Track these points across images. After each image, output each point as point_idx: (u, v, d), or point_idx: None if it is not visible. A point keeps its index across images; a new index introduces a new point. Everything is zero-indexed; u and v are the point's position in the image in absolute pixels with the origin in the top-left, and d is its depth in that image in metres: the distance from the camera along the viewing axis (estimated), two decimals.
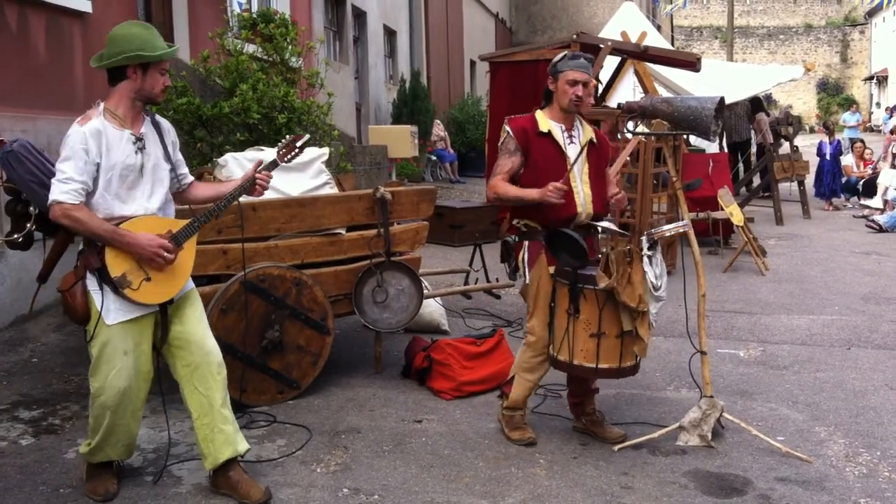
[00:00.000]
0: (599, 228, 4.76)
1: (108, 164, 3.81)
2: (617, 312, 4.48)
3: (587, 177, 4.73)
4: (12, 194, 4.23)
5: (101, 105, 3.91)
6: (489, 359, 5.73)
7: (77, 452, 4.38)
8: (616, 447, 4.72)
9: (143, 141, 3.95)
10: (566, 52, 4.78)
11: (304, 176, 5.79)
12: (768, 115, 17.58)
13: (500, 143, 4.79)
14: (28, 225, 4.05)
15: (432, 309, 6.92)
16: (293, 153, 4.33)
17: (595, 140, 4.83)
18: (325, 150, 6.12)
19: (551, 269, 4.65)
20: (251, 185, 4.14)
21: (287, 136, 4.40)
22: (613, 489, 4.25)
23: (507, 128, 4.75)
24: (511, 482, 4.31)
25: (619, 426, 5.02)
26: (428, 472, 4.42)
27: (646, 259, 4.54)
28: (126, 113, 3.92)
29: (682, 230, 4.83)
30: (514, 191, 4.63)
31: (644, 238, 4.60)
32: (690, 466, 4.52)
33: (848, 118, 31.02)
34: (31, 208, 4.54)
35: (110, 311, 3.85)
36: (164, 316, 4.02)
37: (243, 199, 5.23)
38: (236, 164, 5.60)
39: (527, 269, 4.76)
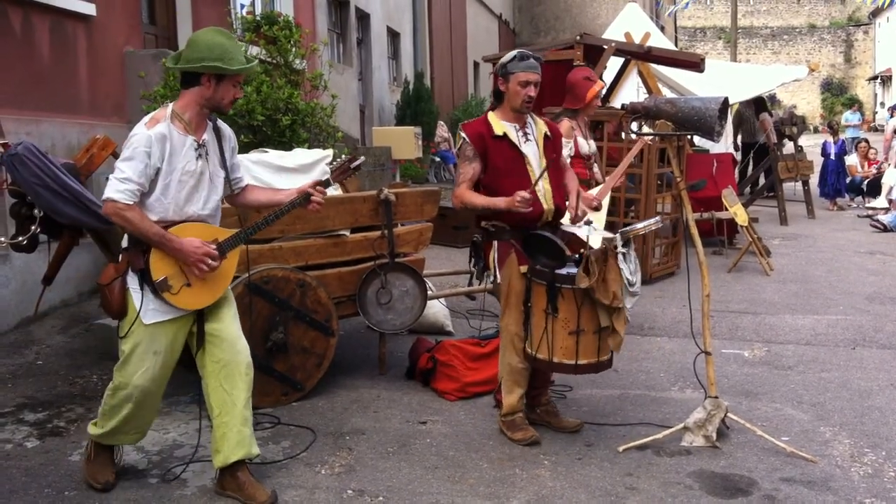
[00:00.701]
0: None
1: (169, 169, 3.84)
2: (594, 309, 4.52)
3: (546, 172, 4.78)
4: (17, 197, 4.26)
5: (170, 107, 3.94)
6: (493, 359, 5.70)
7: (81, 452, 4.40)
8: (621, 448, 4.71)
9: (206, 147, 3.98)
10: (515, 52, 4.79)
11: (308, 178, 5.77)
12: (771, 115, 17.56)
13: (456, 149, 4.83)
14: (33, 227, 4.08)
15: (436, 310, 6.92)
16: (347, 174, 4.35)
17: (549, 133, 4.90)
18: (329, 151, 6.12)
19: (523, 269, 4.69)
20: (306, 200, 4.15)
21: (343, 156, 4.41)
22: (618, 490, 4.24)
23: (463, 134, 4.79)
24: (515, 483, 4.31)
25: (624, 427, 5.02)
26: (432, 474, 4.42)
27: (620, 256, 4.56)
28: (192, 118, 3.94)
29: (654, 227, 4.89)
30: (480, 200, 4.69)
31: (618, 236, 4.62)
32: (695, 467, 4.51)
33: (849, 117, 30.94)
34: (36, 211, 4.57)
35: (148, 311, 3.90)
36: (200, 318, 4.05)
37: None
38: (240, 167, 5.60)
39: (497, 269, 4.80)
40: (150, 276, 3.84)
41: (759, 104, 16.51)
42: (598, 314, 4.52)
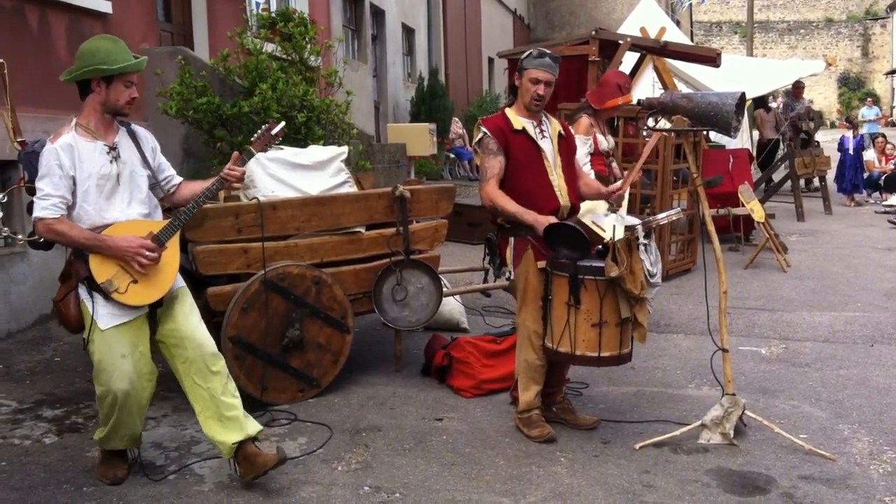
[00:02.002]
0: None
1: (83, 175, 3.94)
2: (616, 301, 4.52)
3: (561, 170, 4.84)
4: (34, 194, 4.27)
5: (74, 120, 4.04)
6: (509, 356, 5.70)
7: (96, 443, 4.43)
8: (637, 445, 4.70)
9: (117, 150, 4.06)
10: (534, 49, 4.81)
11: (324, 175, 5.79)
12: (768, 110, 17.51)
13: (475, 143, 4.84)
14: None
15: (452, 307, 6.91)
16: (270, 142, 4.44)
17: (563, 132, 4.94)
18: (344, 148, 6.12)
19: (540, 264, 4.68)
20: (222, 183, 4.26)
21: (263, 126, 4.46)
22: (635, 487, 4.23)
23: (484, 128, 4.79)
24: (532, 480, 4.30)
25: (641, 424, 5.01)
26: (449, 471, 4.41)
27: (641, 247, 4.55)
28: (97, 125, 4.04)
29: (675, 218, 4.90)
30: (511, 206, 4.68)
31: (639, 227, 4.60)
32: (713, 465, 4.50)
33: (865, 112, 30.70)
34: None
35: (102, 316, 3.96)
36: (152, 317, 4.12)
37: (263, 198, 5.29)
38: (256, 164, 5.60)
39: (513, 265, 4.80)
40: (94, 280, 3.92)
41: (758, 99, 16.43)
42: (619, 306, 4.52)
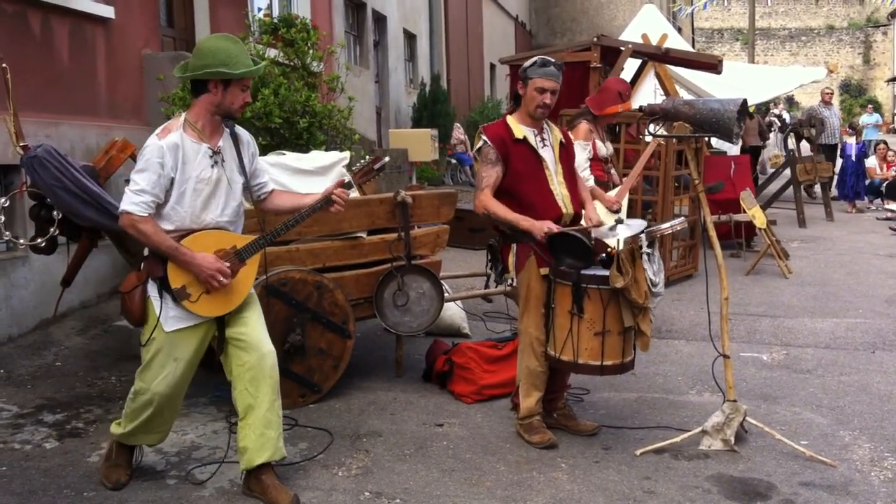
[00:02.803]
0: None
1: (183, 177, 3.86)
2: (619, 310, 4.53)
3: (562, 177, 4.83)
4: (36, 199, 4.28)
5: (183, 116, 3.96)
6: (510, 362, 5.70)
7: (100, 453, 4.42)
8: (638, 451, 4.70)
9: (221, 154, 3.99)
10: (538, 58, 4.79)
11: (326, 180, 5.79)
12: (751, 117, 17.56)
13: (475, 150, 4.84)
14: (52, 229, 4.10)
15: (453, 312, 6.91)
16: (370, 175, 4.39)
17: (563, 140, 4.94)
18: (346, 154, 6.12)
19: (543, 271, 4.68)
20: (328, 203, 4.18)
21: (366, 157, 4.43)
22: (636, 494, 4.23)
23: (484, 136, 4.78)
24: (533, 486, 4.30)
25: (642, 430, 5.00)
26: (449, 476, 4.41)
27: (645, 257, 4.56)
28: (205, 126, 3.96)
29: (678, 227, 4.89)
30: (505, 213, 4.68)
31: (643, 236, 4.60)
32: (713, 471, 4.49)
33: (866, 119, 30.72)
34: (55, 213, 4.59)
35: (168, 318, 3.93)
36: (221, 323, 4.06)
37: None
38: None
39: (515, 271, 4.81)
40: (168, 284, 3.87)
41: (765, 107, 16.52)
42: (622, 315, 4.52)
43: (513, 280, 4.87)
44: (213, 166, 3.94)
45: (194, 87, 3.97)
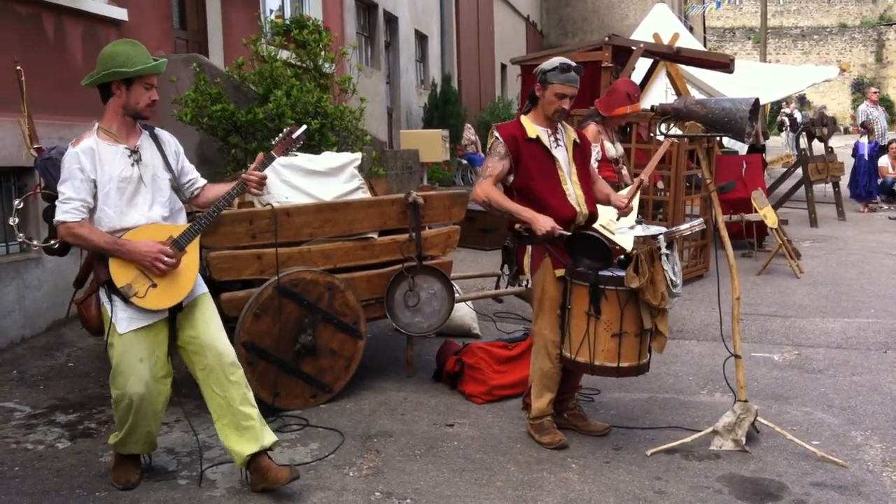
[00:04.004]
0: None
1: (104, 178, 3.97)
2: (638, 311, 4.52)
3: (576, 177, 4.82)
4: (49, 201, 4.31)
5: (96, 125, 4.08)
6: (521, 362, 5.71)
7: (111, 454, 4.45)
8: (649, 451, 4.70)
9: (139, 153, 4.09)
10: (559, 62, 4.74)
11: (337, 181, 5.82)
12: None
13: (488, 147, 4.84)
14: None
15: (463, 313, 6.92)
16: (291, 146, 4.48)
17: (578, 140, 4.94)
18: (358, 154, 6.14)
19: (558, 273, 4.68)
20: (243, 187, 4.31)
21: (284, 130, 4.50)
22: (647, 494, 4.23)
23: (497, 133, 4.79)
24: (543, 486, 4.30)
25: (652, 430, 5.00)
26: (460, 476, 4.42)
27: (664, 257, 4.54)
28: (119, 129, 4.08)
29: (698, 228, 4.87)
30: (505, 202, 4.70)
31: (661, 237, 4.60)
32: (724, 471, 4.49)
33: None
34: None
35: (120, 320, 4.00)
36: (172, 322, 4.13)
37: (277, 204, 5.32)
38: (270, 170, 5.59)
39: (530, 273, 4.79)
40: (114, 284, 3.95)
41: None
42: (640, 316, 4.51)
43: (527, 281, 4.87)
44: (133, 165, 4.05)
45: (102, 93, 4.08)
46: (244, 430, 4.11)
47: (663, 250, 4.55)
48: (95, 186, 3.95)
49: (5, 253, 6.57)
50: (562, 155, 4.80)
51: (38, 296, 6.60)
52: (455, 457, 4.67)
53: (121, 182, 4.00)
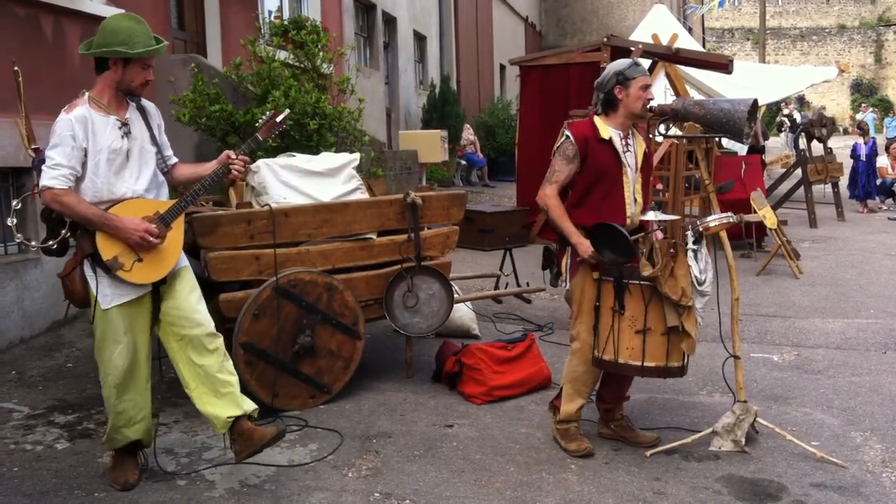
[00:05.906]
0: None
1: (95, 148, 3.96)
2: (662, 308, 4.43)
3: (639, 185, 4.76)
4: None
5: (87, 94, 4.06)
6: (520, 363, 5.72)
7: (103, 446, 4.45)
8: (648, 452, 4.69)
9: (129, 126, 4.09)
10: (627, 60, 4.72)
11: (336, 181, 5.81)
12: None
13: (557, 145, 4.72)
14: (63, 231, 4.11)
15: (463, 313, 6.92)
16: (274, 128, 4.49)
17: (647, 151, 4.88)
18: (356, 155, 6.13)
19: (596, 275, 4.60)
20: (227, 168, 4.29)
21: (267, 113, 4.49)
22: (646, 495, 4.22)
23: (568, 132, 4.68)
24: (542, 487, 4.30)
25: (652, 431, 4.99)
26: (459, 477, 4.41)
27: (690, 254, 4.49)
28: (110, 101, 4.07)
29: (728, 223, 4.74)
30: (560, 219, 4.59)
31: (689, 232, 4.55)
32: (724, 472, 4.48)
33: (888, 122, 30.73)
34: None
35: (106, 295, 4.00)
36: (155, 295, 4.14)
37: (275, 205, 5.31)
38: (268, 170, 5.64)
39: (569, 275, 4.75)
40: (100, 257, 3.94)
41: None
42: (665, 313, 4.44)
43: (566, 284, 4.82)
44: (123, 137, 4.04)
45: (97, 64, 4.08)
46: (223, 396, 4.12)
47: (690, 246, 4.50)
48: (85, 156, 3.94)
49: (4, 253, 6.56)
50: (631, 160, 4.71)
51: (36, 296, 6.60)
52: (454, 457, 4.66)
53: (111, 153, 3.99)
